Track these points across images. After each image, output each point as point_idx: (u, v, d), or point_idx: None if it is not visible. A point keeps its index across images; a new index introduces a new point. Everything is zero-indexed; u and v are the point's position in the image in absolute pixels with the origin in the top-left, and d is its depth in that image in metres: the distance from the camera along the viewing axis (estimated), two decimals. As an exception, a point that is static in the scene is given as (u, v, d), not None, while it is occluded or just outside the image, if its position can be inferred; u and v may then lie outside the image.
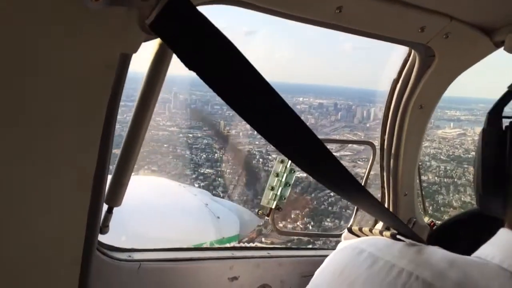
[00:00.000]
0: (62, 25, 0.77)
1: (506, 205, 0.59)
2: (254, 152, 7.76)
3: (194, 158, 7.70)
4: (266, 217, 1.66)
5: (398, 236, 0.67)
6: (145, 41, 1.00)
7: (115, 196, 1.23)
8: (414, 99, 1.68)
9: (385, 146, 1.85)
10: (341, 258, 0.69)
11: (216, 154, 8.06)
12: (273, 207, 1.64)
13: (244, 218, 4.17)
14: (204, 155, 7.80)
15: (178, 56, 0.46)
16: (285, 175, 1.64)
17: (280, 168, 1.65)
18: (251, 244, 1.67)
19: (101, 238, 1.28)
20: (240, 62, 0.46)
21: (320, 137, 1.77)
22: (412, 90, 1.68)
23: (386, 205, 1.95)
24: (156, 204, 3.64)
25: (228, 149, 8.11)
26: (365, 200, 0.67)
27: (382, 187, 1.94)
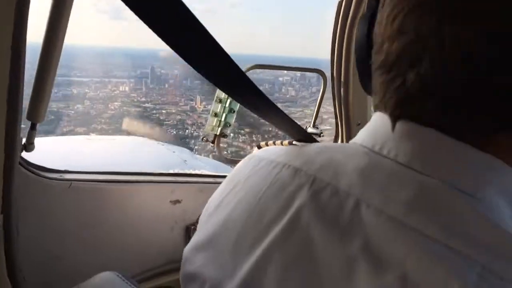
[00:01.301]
0: None
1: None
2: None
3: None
4: (211, 144, 1.64)
5: (294, 143, 0.68)
6: None
7: (36, 112, 1.19)
8: (360, 15, 1.63)
9: (334, 74, 1.81)
10: (236, 168, 0.70)
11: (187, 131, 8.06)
12: (218, 133, 1.62)
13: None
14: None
15: None
16: (228, 101, 1.61)
17: (223, 94, 1.61)
18: (197, 172, 1.65)
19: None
20: None
21: (264, 63, 1.73)
22: (358, 4, 1.62)
23: (340, 136, 1.94)
24: (133, 160, 3.62)
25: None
26: (276, 116, 0.65)
27: (336, 117, 1.92)
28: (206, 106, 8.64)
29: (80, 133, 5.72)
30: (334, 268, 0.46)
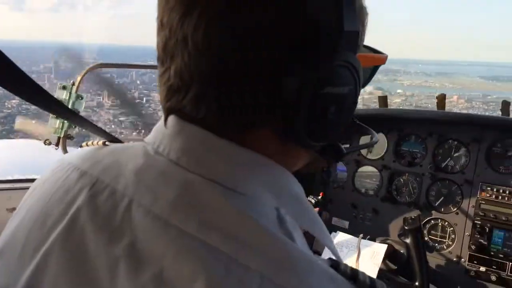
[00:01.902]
0: None
1: None
2: (137, 122, 7.54)
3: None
4: (55, 147, 1.60)
5: (106, 143, 0.67)
6: None
7: None
8: None
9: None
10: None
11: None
12: (62, 135, 1.58)
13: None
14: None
15: None
16: (71, 101, 1.57)
17: (64, 95, 1.57)
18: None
19: None
20: None
21: (114, 62, 1.71)
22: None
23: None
24: (24, 165, 3.39)
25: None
26: (81, 121, 0.67)
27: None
28: (115, 101, 8.26)
29: (-34, 137, 5.20)
30: (101, 270, 0.46)
